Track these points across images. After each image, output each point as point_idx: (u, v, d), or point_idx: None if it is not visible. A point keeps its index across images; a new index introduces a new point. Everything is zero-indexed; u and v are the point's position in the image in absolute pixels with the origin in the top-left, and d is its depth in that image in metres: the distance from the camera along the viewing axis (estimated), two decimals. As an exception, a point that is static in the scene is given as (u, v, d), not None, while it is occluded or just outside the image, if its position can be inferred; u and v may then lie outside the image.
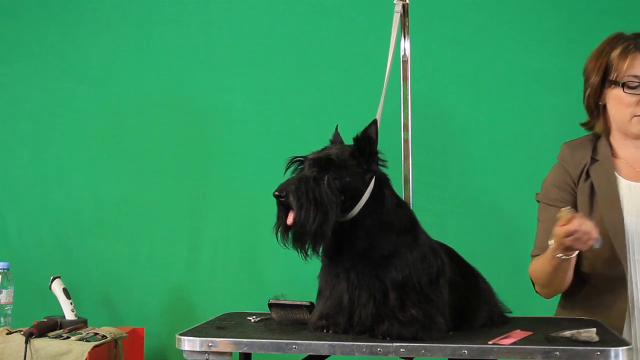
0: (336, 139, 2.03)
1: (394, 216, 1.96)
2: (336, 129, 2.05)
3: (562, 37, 3.26)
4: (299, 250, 1.90)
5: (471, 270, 2.17)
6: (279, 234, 1.92)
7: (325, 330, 1.95)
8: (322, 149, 1.97)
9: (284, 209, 1.90)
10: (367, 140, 1.94)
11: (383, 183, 1.98)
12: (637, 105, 2.31)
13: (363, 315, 1.91)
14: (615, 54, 2.33)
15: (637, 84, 2.30)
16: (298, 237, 1.88)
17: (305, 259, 1.91)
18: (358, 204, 1.92)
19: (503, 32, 3.30)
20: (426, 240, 2.01)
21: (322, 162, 1.90)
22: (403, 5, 2.42)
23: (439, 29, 3.31)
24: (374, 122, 1.95)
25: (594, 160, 2.38)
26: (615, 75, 2.32)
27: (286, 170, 1.97)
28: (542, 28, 3.28)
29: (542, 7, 3.29)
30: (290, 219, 1.87)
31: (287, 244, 1.91)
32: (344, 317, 1.93)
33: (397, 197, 2.02)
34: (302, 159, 1.96)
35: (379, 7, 3.16)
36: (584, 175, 2.37)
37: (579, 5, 3.25)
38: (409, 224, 1.99)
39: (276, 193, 1.90)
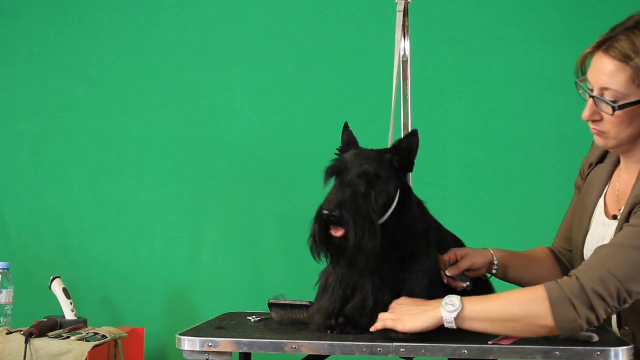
0: (351, 139, 1.98)
1: (417, 221, 1.97)
2: (348, 127, 2.00)
3: (562, 37, 3.27)
4: (338, 265, 1.87)
5: None
6: (320, 250, 1.84)
7: (329, 332, 1.95)
8: (359, 154, 1.90)
9: (325, 224, 1.82)
10: (409, 152, 1.93)
11: (407, 188, 1.98)
12: (585, 113, 1.96)
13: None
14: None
15: (588, 89, 1.95)
16: (352, 257, 1.83)
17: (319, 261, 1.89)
18: (388, 212, 1.91)
19: (503, 32, 3.30)
20: (439, 241, 2.03)
21: (370, 178, 1.86)
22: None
23: (439, 29, 3.31)
24: (416, 132, 1.92)
25: (600, 161, 2.16)
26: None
27: (327, 182, 1.89)
28: (542, 28, 3.28)
29: (542, 7, 3.29)
30: (339, 233, 1.81)
31: (325, 259, 1.86)
32: (366, 318, 1.93)
33: (419, 202, 2.04)
34: (339, 166, 1.89)
35: (379, 6, 3.16)
36: (585, 175, 2.22)
37: (579, 5, 3.25)
38: (427, 228, 2.00)
39: (326, 212, 1.80)
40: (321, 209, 1.81)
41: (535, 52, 3.27)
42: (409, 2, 2.42)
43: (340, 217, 1.79)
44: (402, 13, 2.37)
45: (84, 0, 3.51)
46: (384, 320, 1.85)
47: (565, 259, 2.26)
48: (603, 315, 1.78)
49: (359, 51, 3.35)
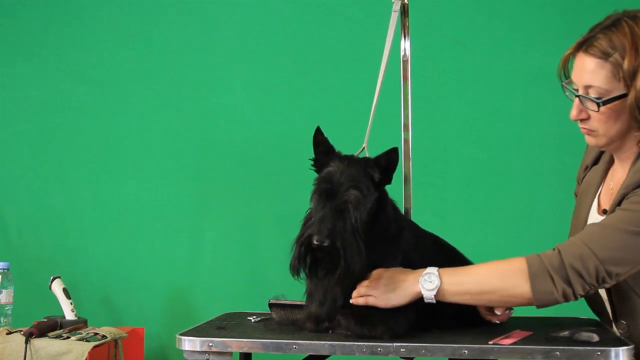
0: (328, 147, 2.00)
1: (391, 224, 2.00)
2: (321, 132, 2.01)
3: (562, 37, 3.26)
4: (316, 277, 1.90)
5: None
6: (302, 269, 1.87)
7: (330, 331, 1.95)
8: (344, 172, 1.91)
9: (311, 248, 1.84)
10: (388, 169, 1.94)
11: (384, 192, 1.98)
12: (572, 113, 1.99)
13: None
14: None
15: (573, 90, 1.98)
16: (341, 279, 1.86)
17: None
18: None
19: (503, 32, 3.30)
20: (411, 242, 2.02)
21: (358, 201, 1.88)
22: (402, 5, 2.42)
23: (439, 29, 3.31)
24: (395, 150, 1.94)
25: (595, 163, 2.17)
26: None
27: (315, 203, 1.91)
28: (542, 28, 3.28)
29: (542, 7, 3.29)
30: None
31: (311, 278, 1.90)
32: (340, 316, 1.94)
33: (393, 204, 2.04)
34: (328, 188, 1.91)
35: (379, 6, 3.16)
36: (581, 180, 2.23)
37: (578, 5, 3.25)
38: (399, 230, 2.02)
39: (316, 242, 1.82)
40: (310, 235, 1.83)
41: (535, 52, 3.27)
42: (406, 3, 2.42)
43: (332, 247, 1.82)
44: (397, 13, 2.36)
45: (84, 0, 3.51)
46: (366, 298, 1.89)
47: None
48: (580, 291, 1.84)
49: (359, 51, 3.35)
